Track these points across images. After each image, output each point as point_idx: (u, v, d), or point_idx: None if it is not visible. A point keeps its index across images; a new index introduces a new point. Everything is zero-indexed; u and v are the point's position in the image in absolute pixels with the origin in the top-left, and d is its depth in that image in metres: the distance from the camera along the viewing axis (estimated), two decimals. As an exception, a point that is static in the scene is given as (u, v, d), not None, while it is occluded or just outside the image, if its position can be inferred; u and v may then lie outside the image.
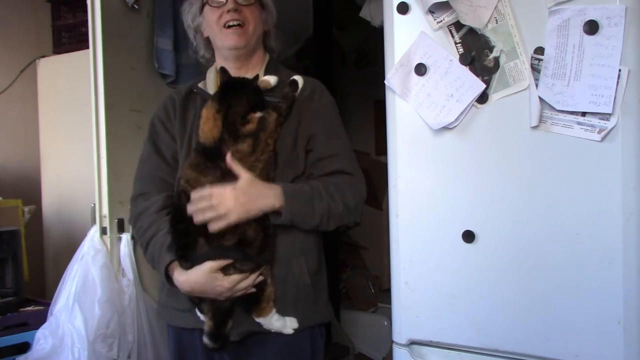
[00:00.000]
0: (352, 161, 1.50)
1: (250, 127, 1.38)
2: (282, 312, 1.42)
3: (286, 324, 1.41)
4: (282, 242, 1.43)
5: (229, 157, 1.34)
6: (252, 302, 1.39)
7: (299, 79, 1.46)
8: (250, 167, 1.36)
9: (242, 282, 1.35)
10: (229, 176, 1.34)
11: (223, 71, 1.46)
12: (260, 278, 1.37)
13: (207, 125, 1.37)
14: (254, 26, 1.50)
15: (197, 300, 1.41)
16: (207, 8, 1.51)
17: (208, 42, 1.57)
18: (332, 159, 1.47)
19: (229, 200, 1.31)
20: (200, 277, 1.33)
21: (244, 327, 1.42)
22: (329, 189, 1.43)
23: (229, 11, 1.47)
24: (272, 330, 1.41)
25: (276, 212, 1.37)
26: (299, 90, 1.45)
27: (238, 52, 1.50)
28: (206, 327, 1.40)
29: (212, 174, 1.35)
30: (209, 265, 1.32)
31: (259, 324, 1.41)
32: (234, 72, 1.52)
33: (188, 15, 1.58)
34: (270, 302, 1.39)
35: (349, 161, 1.49)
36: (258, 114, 1.39)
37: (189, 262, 1.35)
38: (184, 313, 1.48)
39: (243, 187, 1.33)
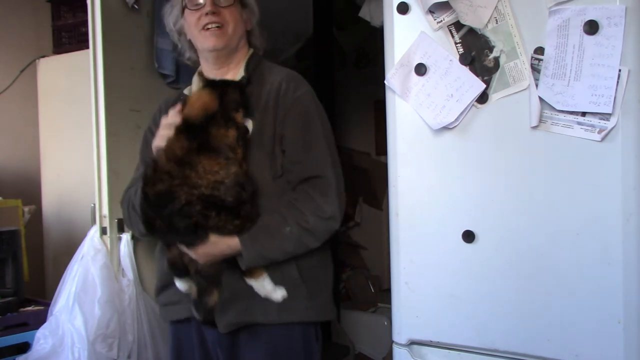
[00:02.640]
0: (323, 162, 1.45)
1: (239, 118, 1.37)
2: (260, 302, 1.43)
3: (276, 291, 1.42)
4: None
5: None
6: None
7: (249, 125, 1.43)
8: (231, 152, 1.34)
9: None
10: (204, 150, 1.32)
11: (200, 74, 1.48)
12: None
13: (200, 102, 1.37)
14: (233, 27, 1.49)
15: (182, 266, 1.42)
16: (186, 11, 1.52)
17: (192, 44, 1.58)
18: (302, 166, 1.44)
19: (199, 259, 1.39)
20: None
21: (232, 318, 1.43)
22: (295, 205, 1.42)
23: (207, 14, 1.47)
24: (262, 295, 1.41)
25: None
26: (249, 134, 1.42)
27: (217, 53, 1.50)
28: (192, 295, 1.43)
29: (186, 142, 1.33)
30: None
31: (247, 313, 1.42)
32: (214, 73, 1.53)
33: (169, 19, 1.58)
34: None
35: (320, 164, 1.45)
36: (241, 117, 1.38)
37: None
38: (177, 305, 1.51)
39: (207, 248, 1.37)
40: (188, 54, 1.61)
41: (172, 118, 1.39)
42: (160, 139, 1.38)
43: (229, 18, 1.49)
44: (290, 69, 1.56)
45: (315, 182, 1.43)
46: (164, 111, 1.54)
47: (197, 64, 1.61)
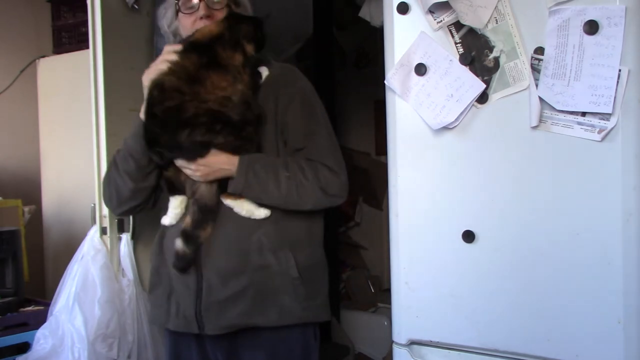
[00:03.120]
0: (325, 149, 1.46)
1: (249, 48, 1.42)
2: (260, 303, 1.42)
3: (259, 209, 1.42)
4: (270, 233, 1.42)
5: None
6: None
7: (264, 71, 1.49)
8: (234, 80, 1.38)
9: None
10: (213, 66, 1.37)
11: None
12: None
13: (207, 28, 1.43)
14: None
15: (179, 184, 1.45)
16: (180, 14, 1.52)
17: None
18: (303, 152, 1.45)
19: (196, 171, 1.40)
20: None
21: (229, 321, 1.42)
22: (300, 163, 1.42)
23: (201, 17, 1.48)
24: (243, 214, 1.42)
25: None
26: (261, 81, 1.48)
27: None
28: (184, 224, 1.43)
29: (196, 58, 1.38)
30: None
31: (247, 316, 1.42)
32: None
33: (163, 21, 1.58)
34: None
35: (321, 151, 1.46)
36: (252, 49, 1.42)
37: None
38: (160, 309, 1.52)
39: (208, 160, 1.38)
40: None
41: (167, 53, 1.41)
42: (155, 71, 1.39)
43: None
44: (285, 63, 1.58)
45: (322, 164, 1.44)
46: None
47: None
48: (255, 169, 1.39)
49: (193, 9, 1.49)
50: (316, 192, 1.41)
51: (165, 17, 1.58)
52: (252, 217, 1.42)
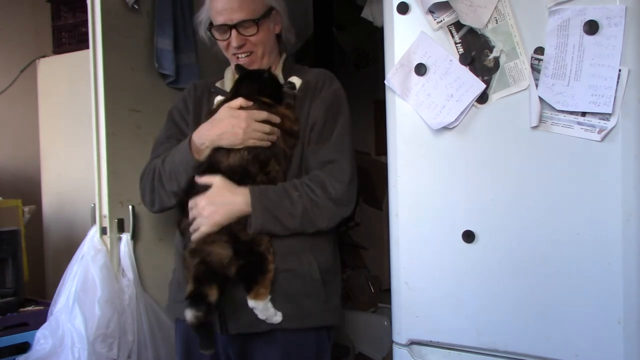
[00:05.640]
0: (341, 150, 1.47)
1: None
2: (283, 306, 1.42)
3: (277, 314, 1.41)
4: (291, 238, 1.43)
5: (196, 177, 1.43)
6: (253, 276, 1.39)
7: (296, 80, 1.51)
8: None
9: (257, 124, 1.40)
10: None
11: (239, 67, 1.51)
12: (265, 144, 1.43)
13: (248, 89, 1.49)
14: (263, 49, 1.52)
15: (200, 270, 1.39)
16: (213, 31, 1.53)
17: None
18: (322, 150, 1.47)
19: (202, 210, 1.39)
20: (221, 112, 1.42)
21: (249, 321, 1.42)
22: (305, 182, 1.43)
23: (234, 52, 1.50)
24: (262, 317, 1.40)
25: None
26: (297, 88, 1.50)
27: None
28: (186, 290, 1.37)
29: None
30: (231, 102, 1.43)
31: (259, 317, 1.41)
32: None
33: (200, 27, 1.60)
34: (268, 288, 1.40)
35: (338, 151, 1.47)
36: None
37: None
38: None
39: (211, 195, 1.39)
40: (223, 52, 1.63)
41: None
42: None
43: (258, 42, 1.51)
44: (322, 69, 1.60)
45: (331, 167, 1.45)
46: (193, 96, 1.61)
47: (227, 58, 1.63)
48: (268, 194, 1.39)
49: (225, 38, 1.50)
50: (328, 206, 1.42)
51: (202, 24, 1.59)
52: (269, 321, 1.41)
